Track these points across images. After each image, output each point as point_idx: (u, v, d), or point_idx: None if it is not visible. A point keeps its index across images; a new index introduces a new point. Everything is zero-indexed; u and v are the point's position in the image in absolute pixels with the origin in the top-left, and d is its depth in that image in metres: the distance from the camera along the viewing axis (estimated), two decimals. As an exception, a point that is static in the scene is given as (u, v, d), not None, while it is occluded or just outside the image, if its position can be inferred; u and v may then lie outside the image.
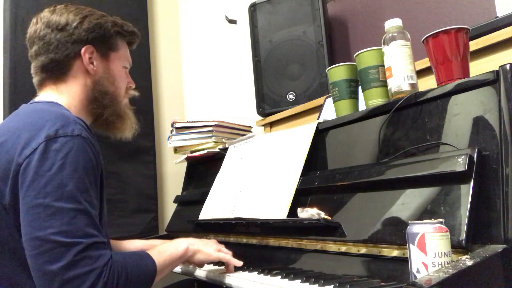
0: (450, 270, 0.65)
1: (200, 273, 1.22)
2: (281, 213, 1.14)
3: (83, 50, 1.07)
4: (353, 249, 0.96)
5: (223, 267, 1.20)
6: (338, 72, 1.25)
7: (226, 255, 1.11)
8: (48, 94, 1.08)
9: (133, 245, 1.37)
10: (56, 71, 1.07)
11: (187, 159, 1.89)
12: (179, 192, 1.98)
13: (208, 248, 1.10)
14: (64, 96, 1.07)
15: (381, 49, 1.12)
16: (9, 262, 0.91)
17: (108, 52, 1.12)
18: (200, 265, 1.18)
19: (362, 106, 1.22)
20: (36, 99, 1.09)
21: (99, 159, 0.98)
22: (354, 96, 1.24)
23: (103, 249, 0.88)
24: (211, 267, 1.23)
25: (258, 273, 1.04)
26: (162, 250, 1.03)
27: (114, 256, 0.90)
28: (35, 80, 1.11)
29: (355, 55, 1.19)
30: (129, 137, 1.19)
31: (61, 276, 0.82)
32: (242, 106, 2.22)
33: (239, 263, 1.11)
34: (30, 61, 1.10)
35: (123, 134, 1.17)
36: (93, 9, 1.13)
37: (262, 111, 1.90)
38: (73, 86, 1.08)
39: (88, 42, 1.08)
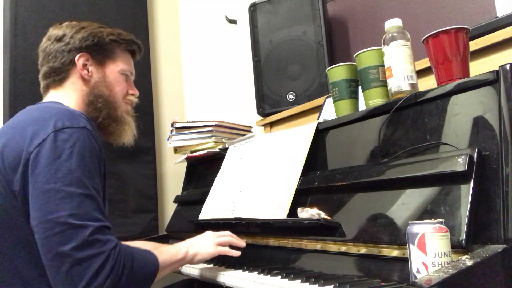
0: (450, 270, 0.65)
1: (200, 273, 1.23)
2: (281, 213, 1.14)
3: (77, 57, 1.14)
4: (353, 249, 0.96)
5: (223, 266, 1.21)
6: (338, 72, 1.25)
7: (224, 248, 1.14)
8: (51, 98, 1.15)
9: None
10: (55, 78, 1.15)
11: (187, 159, 1.89)
12: (179, 192, 1.98)
13: (207, 247, 1.12)
14: (65, 100, 1.13)
15: (381, 49, 1.12)
16: (15, 247, 0.94)
17: (104, 59, 1.18)
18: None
19: (362, 106, 1.22)
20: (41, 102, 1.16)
21: (102, 151, 1.03)
22: (354, 96, 1.24)
23: (109, 235, 0.93)
24: (211, 266, 1.23)
25: (258, 273, 1.04)
26: (164, 250, 1.07)
27: (121, 244, 0.94)
28: (41, 87, 1.19)
29: (355, 55, 1.19)
30: (129, 143, 1.22)
31: (72, 257, 0.86)
32: (242, 106, 2.22)
33: (241, 246, 1.16)
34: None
35: (121, 139, 1.21)
36: (93, 22, 1.20)
37: (262, 111, 1.90)
38: (71, 91, 1.15)
39: (82, 49, 1.15)
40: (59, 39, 1.15)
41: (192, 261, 1.11)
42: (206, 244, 1.13)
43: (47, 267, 0.89)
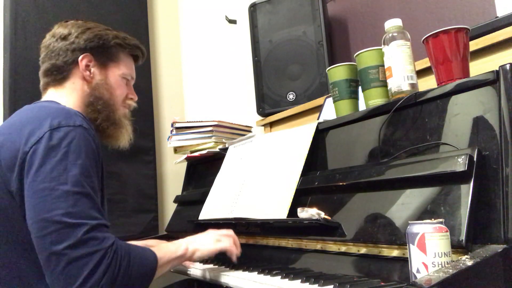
0: (450, 270, 0.65)
1: (200, 273, 1.22)
2: (281, 213, 1.14)
3: (80, 57, 1.14)
4: (353, 249, 0.96)
5: (223, 266, 1.20)
6: (338, 72, 1.25)
7: (226, 245, 1.13)
8: (49, 97, 1.16)
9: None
10: (56, 76, 1.15)
11: (187, 159, 1.89)
12: (179, 192, 1.98)
13: (207, 243, 1.12)
14: (63, 99, 1.14)
15: (381, 49, 1.12)
16: (13, 247, 0.94)
17: (107, 62, 1.19)
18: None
19: (362, 106, 1.22)
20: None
21: (99, 150, 1.03)
22: (354, 96, 1.24)
23: (106, 232, 0.92)
24: (211, 266, 1.23)
25: (258, 273, 1.04)
26: (163, 247, 1.07)
27: (118, 241, 0.94)
28: (40, 84, 1.19)
29: (355, 55, 1.19)
30: (124, 146, 1.23)
31: (67, 256, 0.86)
32: (242, 106, 2.22)
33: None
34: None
35: (118, 142, 1.22)
36: (99, 24, 1.21)
37: (262, 111, 1.90)
38: (71, 90, 1.15)
39: (86, 50, 1.15)
40: (64, 38, 1.15)
41: (192, 258, 1.10)
42: (207, 240, 1.12)
43: (44, 266, 0.89)
